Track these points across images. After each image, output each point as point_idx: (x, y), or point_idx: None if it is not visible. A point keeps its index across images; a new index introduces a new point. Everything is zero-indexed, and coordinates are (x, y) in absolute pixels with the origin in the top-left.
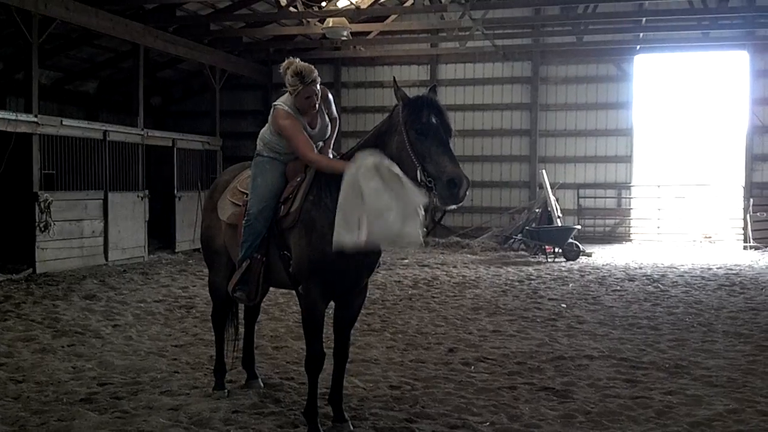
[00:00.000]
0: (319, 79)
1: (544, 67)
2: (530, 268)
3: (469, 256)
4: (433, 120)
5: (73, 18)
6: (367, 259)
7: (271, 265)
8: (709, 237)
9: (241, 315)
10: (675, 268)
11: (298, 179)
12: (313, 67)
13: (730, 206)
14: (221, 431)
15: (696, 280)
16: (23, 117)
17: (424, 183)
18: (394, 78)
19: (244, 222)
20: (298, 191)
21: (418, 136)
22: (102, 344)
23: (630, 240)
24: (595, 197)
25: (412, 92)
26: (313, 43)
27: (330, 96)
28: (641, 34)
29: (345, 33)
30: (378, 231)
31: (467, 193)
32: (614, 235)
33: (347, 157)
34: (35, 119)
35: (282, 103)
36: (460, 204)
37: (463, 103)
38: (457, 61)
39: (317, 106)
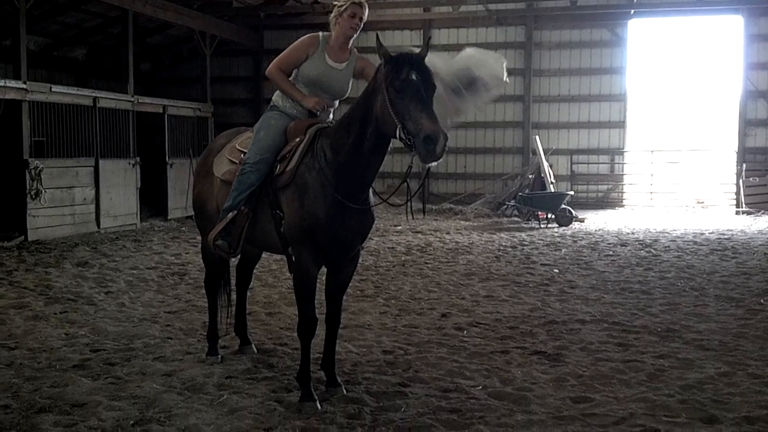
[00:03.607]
0: (367, 11)
1: (538, 32)
2: (523, 234)
3: (462, 222)
4: (413, 77)
5: None
6: (359, 225)
7: (260, 225)
8: (702, 202)
9: (233, 282)
10: (667, 233)
11: (297, 140)
12: None
13: (722, 171)
14: (215, 396)
15: (688, 244)
16: (12, 83)
17: (404, 141)
18: (377, 35)
19: (239, 171)
20: (295, 151)
21: (397, 93)
22: (95, 311)
23: (623, 205)
24: (588, 163)
25: None
26: (304, 8)
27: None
28: None
29: None
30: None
31: (446, 149)
32: (607, 201)
33: (340, 122)
34: (24, 86)
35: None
36: (439, 160)
37: None
38: (450, 26)
39: (355, 32)
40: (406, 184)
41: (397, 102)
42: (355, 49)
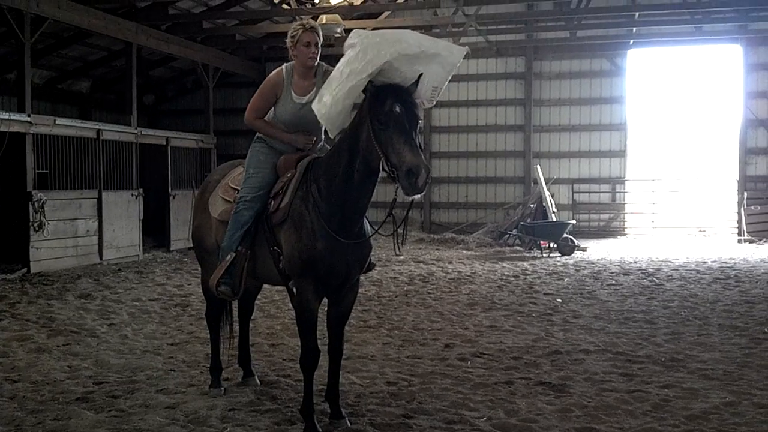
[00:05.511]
0: (321, 34)
1: (538, 62)
2: (525, 263)
3: (464, 251)
4: (396, 109)
5: (66, 17)
6: (357, 254)
7: (261, 260)
8: (704, 231)
9: (235, 313)
10: (670, 261)
11: (289, 175)
12: None
13: (724, 200)
14: (218, 429)
15: (691, 273)
16: (16, 116)
17: (388, 173)
18: None
19: (233, 210)
20: (288, 187)
21: (380, 126)
22: (97, 343)
23: (625, 234)
24: (589, 192)
25: None
26: None
27: None
28: (634, 29)
29: (338, 30)
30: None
31: (428, 182)
32: (609, 230)
33: (330, 153)
34: (28, 119)
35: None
36: (422, 193)
37: (456, 99)
38: None
39: (315, 61)
40: (392, 216)
41: (380, 134)
42: (322, 65)
